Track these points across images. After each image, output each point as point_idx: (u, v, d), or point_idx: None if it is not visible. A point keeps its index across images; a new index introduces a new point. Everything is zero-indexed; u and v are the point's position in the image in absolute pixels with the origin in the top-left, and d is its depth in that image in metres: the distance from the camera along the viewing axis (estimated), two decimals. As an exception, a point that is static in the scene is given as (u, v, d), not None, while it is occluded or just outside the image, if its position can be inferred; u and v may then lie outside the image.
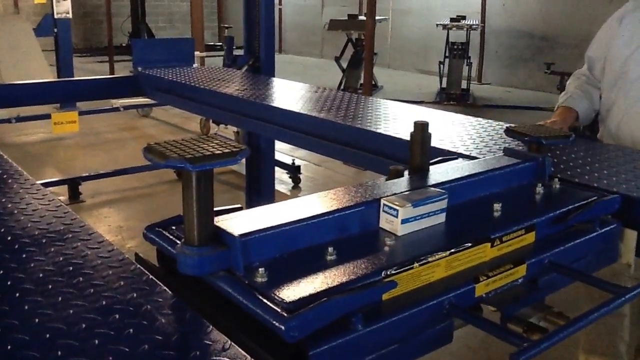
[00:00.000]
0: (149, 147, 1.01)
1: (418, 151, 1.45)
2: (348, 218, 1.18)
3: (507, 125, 2.16)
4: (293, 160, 5.59)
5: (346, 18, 10.34)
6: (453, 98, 9.38)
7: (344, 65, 9.74)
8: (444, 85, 9.71)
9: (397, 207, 1.18)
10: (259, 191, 4.05)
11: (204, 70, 3.84)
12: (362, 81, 9.19)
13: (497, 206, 1.32)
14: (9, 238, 1.25)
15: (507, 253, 1.21)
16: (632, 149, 2.00)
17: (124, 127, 7.77)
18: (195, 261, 1.01)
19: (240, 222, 1.10)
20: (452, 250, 1.13)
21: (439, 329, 1.08)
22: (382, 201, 1.21)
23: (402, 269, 1.05)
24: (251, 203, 4.07)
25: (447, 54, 9.66)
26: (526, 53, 10.85)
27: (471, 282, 1.11)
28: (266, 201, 4.05)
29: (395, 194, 1.26)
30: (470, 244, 1.16)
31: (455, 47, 9.58)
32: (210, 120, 6.61)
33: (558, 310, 1.15)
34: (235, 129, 5.29)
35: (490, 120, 2.31)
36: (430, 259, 1.09)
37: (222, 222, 1.08)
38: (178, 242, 1.10)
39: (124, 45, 13.19)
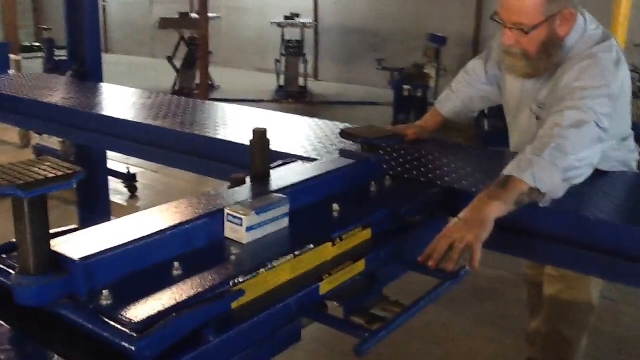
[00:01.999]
0: (-28, 174, 0.94)
1: (258, 158, 1.49)
2: (192, 231, 1.19)
3: (342, 127, 2.28)
4: (128, 168, 5.35)
5: (177, 16, 10.13)
6: (291, 96, 9.57)
7: (178, 65, 9.55)
8: (282, 83, 9.88)
9: (241, 216, 1.21)
10: (93, 205, 3.82)
11: (23, 77, 3.58)
12: (197, 81, 9.08)
13: (335, 206, 1.39)
14: None
15: (347, 250, 1.28)
16: (451, 143, 2.19)
17: None
18: (33, 291, 0.96)
19: (79, 244, 1.07)
20: (297, 253, 1.18)
21: (288, 329, 1.12)
22: (226, 211, 1.23)
23: (249, 277, 1.08)
24: (85, 218, 3.83)
25: (283, 52, 9.83)
26: (359, 50, 11.34)
27: (316, 281, 1.17)
28: (102, 215, 3.85)
29: (238, 202, 1.28)
30: (312, 246, 1.22)
31: (291, 45, 9.78)
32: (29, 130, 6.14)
33: (395, 300, 1.24)
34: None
35: (326, 121, 2.41)
36: (276, 264, 1.14)
37: (59, 246, 1.04)
38: (12, 271, 1.04)
39: None
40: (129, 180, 5.25)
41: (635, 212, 1.58)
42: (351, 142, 1.96)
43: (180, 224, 1.17)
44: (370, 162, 1.63)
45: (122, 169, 5.28)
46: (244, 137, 2.13)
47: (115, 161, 5.17)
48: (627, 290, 3.38)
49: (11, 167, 0.99)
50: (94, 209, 3.77)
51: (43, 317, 1.01)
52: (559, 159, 1.55)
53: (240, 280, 1.07)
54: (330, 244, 1.25)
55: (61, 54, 5.30)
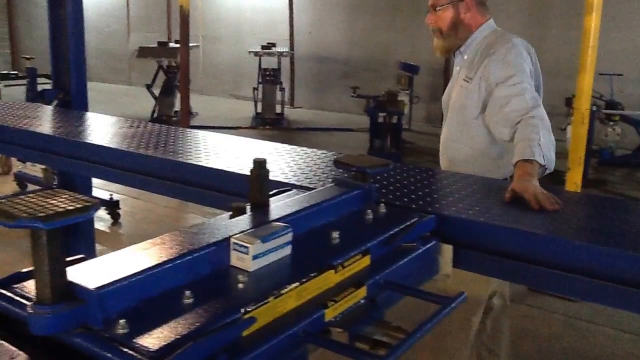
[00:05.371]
0: (-8, 207, 0.96)
1: (258, 187, 1.53)
2: (201, 259, 1.21)
3: (329, 155, 2.33)
4: (111, 194, 5.35)
5: (156, 45, 10.19)
6: (268, 122, 9.64)
7: (156, 92, 9.56)
8: (259, 110, 9.95)
9: (247, 245, 1.24)
10: (77, 231, 3.82)
11: (10, 107, 3.58)
12: (176, 109, 9.10)
13: (335, 234, 1.43)
14: None
15: (349, 277, 1.32)
16: (440, 170, 2.26)
17: None
18: (49, 320, 0.98)
19: (92, 273, 1.09)
20: (302, 281, 1.21)
21: (295, 356, 1.15)
22: (232, 240, 1.26)
23: (259, 304, 1.11)
24: (69, 245, 3.82)
25: (260, 80, 9.92)
26: (332, 77, 11.52)
27: (321, 308, 1.20)
28: (86, 242, 3.85)
29: (242, 231, 1.31)
30: (316, 273, 1.25)
31: (268, 73, 9.88)
32: (10, 157, 6.10)
33: (396, 325, 1.28)
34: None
35: (315, 150, 2.46)
36: (283, 291, 1.17)
37: (73, 275, 1.06)
38: (24, 301, 1.06)
39: None
40: (112, 207, 5.24)
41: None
42: (341, 171, 2.02)
43: (189, 252, 1.20)
44: (365, 190, 1.68)
45: (105, 195, 5.26)
46: (234, 166, 2.18)
47: (97, 188, 5.18)
48: (598, 310, 3.47)
49: (27, 199, 1.02)
50: (78, 236, 3.76)
51: (56, 346, 1.03)
52: (546, 136, 2.05)
53: (251, 307, 1.10)
54: (332, 271, 1.29)
55: (42, 82, 5.31)
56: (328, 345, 1.15)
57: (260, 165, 1.52)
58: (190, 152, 2.41)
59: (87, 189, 3.94)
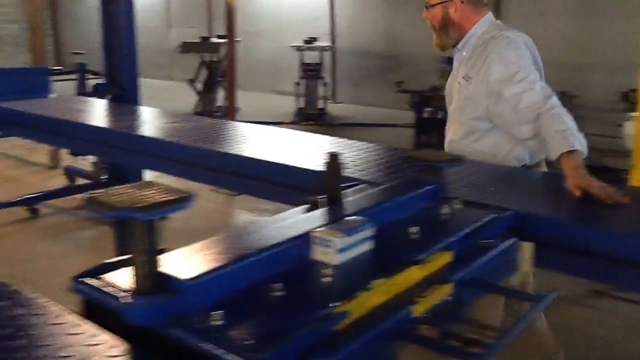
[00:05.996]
0: (91, 197, 0.96)
1: (332, 181, 1.50)
2: (286, 252, 1.20)
3: (395, 150, 2.30)
4: (160, 189, 5.41)
5: (198, 40, 10.26)
6: (310, 118, 9.61)
7: (197, 87, 9.62)
8: (301, 105, 9.93)
9: (332, 238, 1.22)
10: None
11: (66, 100, 3.63)
12: (218, 104, 9.16)
13: (413, 229, 1.40)
14: None
15: (433, 273, 1.29)
16: (504, 166, 2.20)
17: (-40, 161, 7.07)
18: (147, 310, 0.98)
19: (182, 265, 1.08)
20: (389, 275, 1.18)
21: (385, 352, 1.12)
22: (315, 233, 1.24)
23: (349, 298, 1.09)
24: (121, 237, 3.87)
25: (302, 75, 9.89)
26: (373, 72, 11.43)
27: (409, 304, 1.17)
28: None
29: (322, 225, 1.29)
30: (401, 268, 1.22)
31: (310, 67, 9.85)
32: (59, 151, 6.20)
33: (485, 323, 1.24)
34: (93, 159, 5.03)
35: (374, 144, 2.43)
36: (371, 286, 1.14)
37: (165, 267, 1.05)
38: (116, 291, 1.06)
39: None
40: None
41: None
42: (406, 165, 1.98)
43: (274, 245, 1.18)
44: (438, 185, 1.64)
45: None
46: (294, 160, 2.16)
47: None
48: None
49: (121, 190, 1.01)
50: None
51: (147, 337, 1.02)
52: (571, 122, 2.01)
53: (342, 302, 1.07)
54: (417, 266, 1.25)
55: (89, 77, 5.40)
56: (421, 342, 1.12)
57: (335, 158, 1.50)
58: (247, 145, 2.40)
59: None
